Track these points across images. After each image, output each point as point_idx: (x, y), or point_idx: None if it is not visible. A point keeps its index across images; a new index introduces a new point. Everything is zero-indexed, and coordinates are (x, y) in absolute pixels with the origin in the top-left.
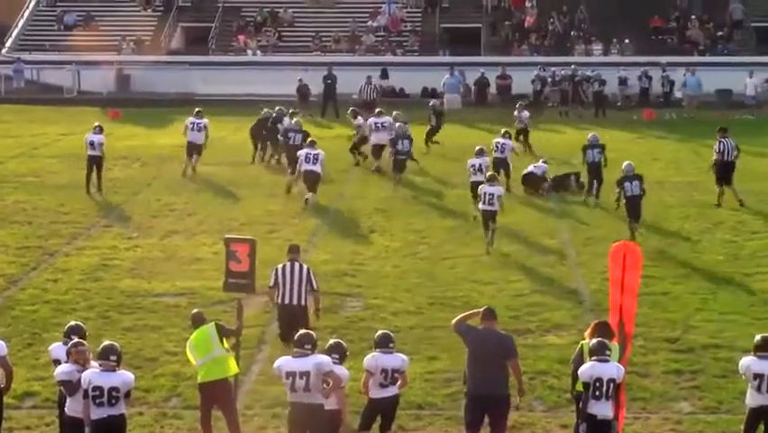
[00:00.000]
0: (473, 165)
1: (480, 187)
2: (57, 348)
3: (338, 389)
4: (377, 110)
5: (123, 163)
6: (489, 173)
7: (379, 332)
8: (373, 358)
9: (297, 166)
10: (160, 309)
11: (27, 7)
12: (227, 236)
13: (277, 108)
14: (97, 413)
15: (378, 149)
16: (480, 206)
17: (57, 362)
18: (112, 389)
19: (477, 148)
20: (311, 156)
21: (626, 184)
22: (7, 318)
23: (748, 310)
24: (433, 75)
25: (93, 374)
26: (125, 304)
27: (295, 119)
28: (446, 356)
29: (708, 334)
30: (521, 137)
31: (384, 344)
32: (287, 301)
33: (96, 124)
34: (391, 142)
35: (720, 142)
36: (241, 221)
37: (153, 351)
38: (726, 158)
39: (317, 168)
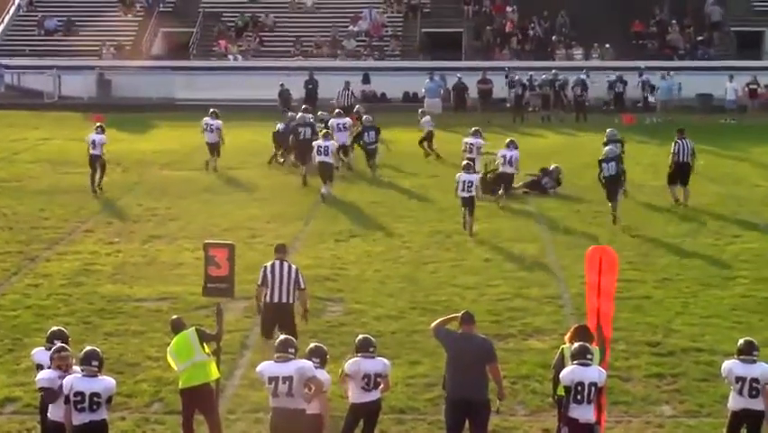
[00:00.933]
0: (503, 156)
1: (457, 175)
2: (39, 353)
3: (320, 393)
4: (336, 111)
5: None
6: (464, 162)
7: (360, 336)
8: (355, 363)
9: (312, 158)
10: (141, 314)
11: (7, 12)
12: (206, 241)
13: (303, 108)
14: (79, 418)
15: (338, 149)
16: (459, 192)
17: (39, 367)
18: (93, 394)
19: (508, 140)
20: (322, 148)
21: (604, 165)
22: None
23: (729, 314)
24: (414, 80)
25: (75, 380)
26: (107, 309)
27: (308, 114)
28: (428, 361)
29: (689, 337)
30: (425, 143)
31: (365, 348)
32: (276, 300)
33: (98, 124)
34: (359, 134)
35: (676, 143)
36: (222, 226)
37: (135, 356)
38: (681, 159)
39: (329, 159)
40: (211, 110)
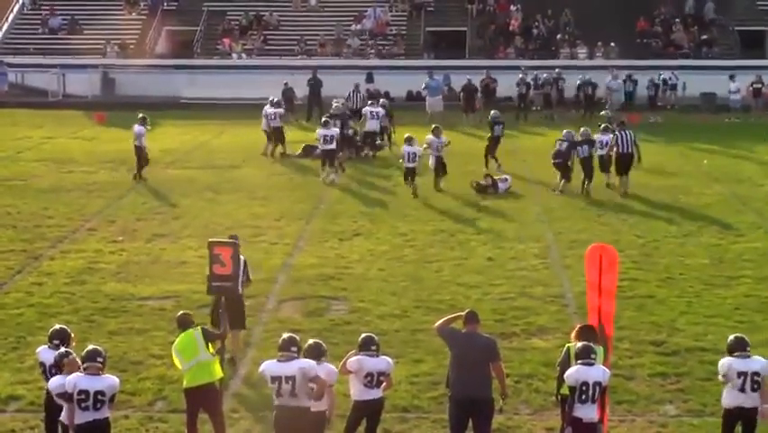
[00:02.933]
0: (601, 141)
1: (402, 148)
2: (44, 351)
3: (327, 388)
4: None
5: (109, 167)
6: (406, 135)
7: (363, 335)
8: (356, 361)
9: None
10: (145, 313)
11: (11, 11)
12: (210, 240)
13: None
14: (82, 417)
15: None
16: (405, 163)
17: (42, 365)
18: (97, 393)
19: (602, 125)
20: (328, 137)
21: (578, 148)
22: None
23: (733, 313)
24: (418, 78)
25: (78, 378)
26: (110, 308)
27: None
28: (432, 359)
29: (692, 337)
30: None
31: (367, 346)
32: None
33: (141, 115)
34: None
35: (616, 135)
36: (226, 225)
37: (138, 354)
38: (622, 149)
39: (333, 146)
40: (272, 98)
